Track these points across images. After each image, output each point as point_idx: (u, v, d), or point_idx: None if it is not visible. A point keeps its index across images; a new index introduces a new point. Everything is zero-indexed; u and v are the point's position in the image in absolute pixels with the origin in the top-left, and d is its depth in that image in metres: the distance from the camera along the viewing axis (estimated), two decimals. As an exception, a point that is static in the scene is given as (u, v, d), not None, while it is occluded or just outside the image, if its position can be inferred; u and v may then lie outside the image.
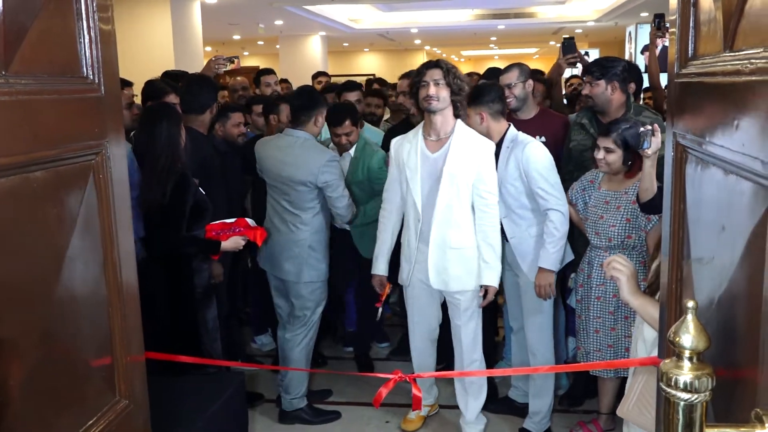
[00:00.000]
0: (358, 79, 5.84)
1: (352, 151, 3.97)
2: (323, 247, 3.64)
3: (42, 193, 1.32)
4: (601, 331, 3.20)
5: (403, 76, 4.63)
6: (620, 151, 3.07)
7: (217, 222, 3.18)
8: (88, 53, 1.47)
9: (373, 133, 4.51)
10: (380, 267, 3.43)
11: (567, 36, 4.64)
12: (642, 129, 2.73)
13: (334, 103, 4.50)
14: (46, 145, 1.32)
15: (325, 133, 4.19)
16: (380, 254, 3.43)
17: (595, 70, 3.54)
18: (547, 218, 3.22)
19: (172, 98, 4.16)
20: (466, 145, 3.14)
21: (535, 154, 3.23)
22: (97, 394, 1.53)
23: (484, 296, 3.23)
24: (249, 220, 3.26)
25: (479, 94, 3.37)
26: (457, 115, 3.19)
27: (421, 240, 3.23)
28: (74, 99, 1.43)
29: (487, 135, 3.29)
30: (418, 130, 3.28)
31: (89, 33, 1.46)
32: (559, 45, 4.78)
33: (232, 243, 3.14)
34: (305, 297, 3.61)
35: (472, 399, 3.40)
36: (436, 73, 3.10)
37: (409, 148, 3.25)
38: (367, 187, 3.94)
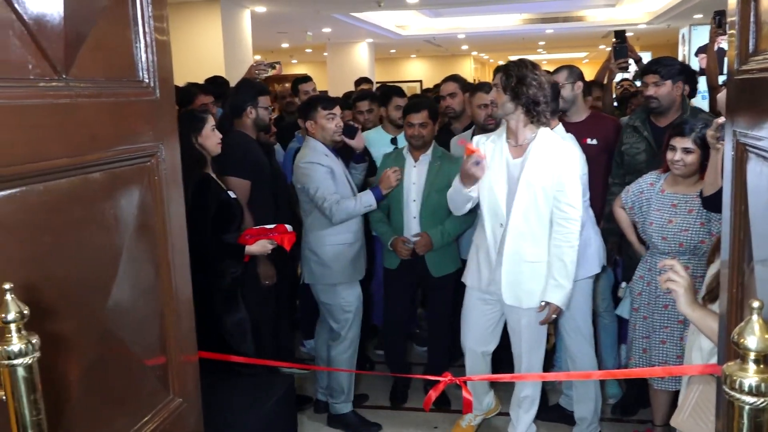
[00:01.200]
0: (406, 86, 5.83)
1: (430, 153, 3.73)
2: (325, 251, 3.53)
3: (100, 193, 1.35)
4: (669, 341, 3.05)
5: (448, 79, 4.53)
6: (699, 151, 2.92)
7: (257, 227, 3.21)
8: (143, 58, 1.50)
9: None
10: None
11: (617, 40, 4.54)
12: (719, 120, 2.62)
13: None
14: (103, 146, 1.35)
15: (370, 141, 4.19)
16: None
17: (660, 70, 3.45)
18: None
19: (203, 98, 4.22)
20: (548, 153, 2.94)
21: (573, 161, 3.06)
22: (152, 393, 1.56)
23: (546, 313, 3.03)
24: (288, 226, 3.24)
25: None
26: (535, 122, 2.97)
27: (502, 246, 3.06)
28: (130, 102, 1.46)
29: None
30: (502, 132, 3.10)
31: (145, 38, 1.50)
32: (609, 48, 4.70)
33: (259, 247, 3.09)
34: (322, 302, 3.65)
35: (523, 412, 3.29)
36: (497, 77, 2.99)
37: (493, 149, 3.08)
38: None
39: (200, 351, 1.78)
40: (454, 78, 4.50)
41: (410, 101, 3.93)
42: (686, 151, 2.96)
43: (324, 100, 3.67)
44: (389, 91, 4.60)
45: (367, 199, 3.52)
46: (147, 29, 1.51)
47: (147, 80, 1.52)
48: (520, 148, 3.00)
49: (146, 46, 1.51)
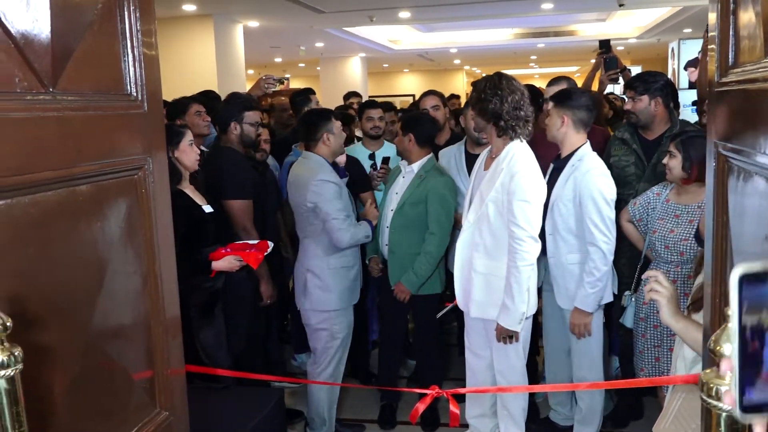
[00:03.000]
0: (398, 100, 5.89)
1: (415, 167, 3.69)
2: (327, 275, 3.43)
3: (87, 206, 1.35)
4: None
5: (428, 93, 4.58)
6: (680, 156, 2.95)
7: (240, 242, 3.20)
8: (132, 71, 1.51)
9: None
10: None
11: (602, 50, 4.56)
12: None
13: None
14: (90, 159, 1.36)
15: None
16: None
17: (638, 85, 3.49)
18: (589, 255, 3.08)
19: (196, 107, 4.21)
20: (504, 169, 2.92)
21: (596, 183, 3.07)
22: (139, 406, 1.56)
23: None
24: (270, 243, 3.20)
25: (566, 97, 3.24)
26: (505, 135, 2.96)
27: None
28: (118, 115, 1.47)
29: (561, 143, 3.21)
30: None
31: (133, 53, 1.51)
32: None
33: (226, 263, 3.05)
34: (311, 326, 3.50)
35: (507, 424, 3.23)
36: (471, 98, 3.07)
37: (481, 159, 3.18)
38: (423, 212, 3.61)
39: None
40: (434, 92, 4.56)
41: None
42: (670, 155, 3.01)
43: (339, 114, 3.65)
44: (362, 106, 4.66)
45: (366, 230, 3.48)
46: (135, 43, 1.52)
47: (135, 94, 1.53)
48: (492, 161, 3.04)
49: (134, 59, 1.52)
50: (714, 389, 0.83)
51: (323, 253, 3.42)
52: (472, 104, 3.04)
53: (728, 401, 0.74)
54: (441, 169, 3.75)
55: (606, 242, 3.05)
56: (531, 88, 4.26)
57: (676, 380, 2.01)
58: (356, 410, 4.07)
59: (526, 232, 2.86)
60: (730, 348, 0.77)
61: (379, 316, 4.03)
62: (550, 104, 3.29)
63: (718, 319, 1.41)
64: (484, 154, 3.18)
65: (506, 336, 2.99)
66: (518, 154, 2.94)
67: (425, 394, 2.47)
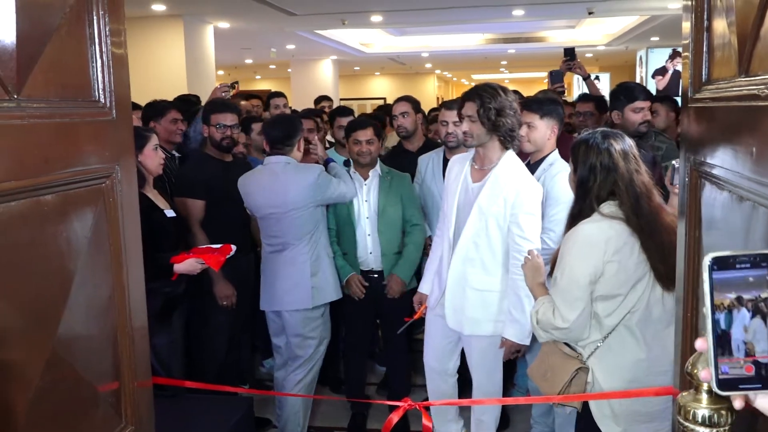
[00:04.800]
0: (369, 103, 5.89)
1: (378, 170, 3.70)
2: (324, 266, 3.48)
3: (52, 216, 1.31)
4: None
5: (400, 99, 4.49)
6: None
7: (204, 246, 3.18)
8: (100, 77, 1.47)
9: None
10: (425, 286, 3.28)
11: (567, 57, 4.60)
12: (674, 162, 2.64)
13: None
14: (56, 168, 1.32)
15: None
16: (428, 272, 3.28)
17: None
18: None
19: (174, 114, 4.18)
20: (506, 182, 2.84)
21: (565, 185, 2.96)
22: (104, 420, 1.52)
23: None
24: (233, 246, 3.18)
25: (553, 107, 3.23)
26: (506, 147, 2.90)
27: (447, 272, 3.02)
28: (85, 123, 1.43)
29: (540, 150, 3.20)
30: (472, 153, 3.03)
31: (101, 57, 1.47)
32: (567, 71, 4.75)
33: (187, 266, 3.01)
34: (302, 334, 3.46)
35: None
36: (468, 108, 2.86)
37: (457, 170, 3.04)
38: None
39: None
40: (407, 98, 4.51)
41: (355, 120, 4.02)
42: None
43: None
44: (333, 112, 4.63)
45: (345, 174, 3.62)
46: (104, 48, 1.48)
47: (103, 100, 1.49)
48: (482, 172, 2.94)
49: (103, 65, 1.48)
50: (692, 412, 0.83)
51: (321, 249, 3.47)
52: (481, 120, 2.83)
53: (705, 376, 0.79)
54: (394, 170, 3.82)
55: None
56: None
57: (650, 392, 2.03)
58: (326, 417, 4.04)
59: (532, 244, 2.81)
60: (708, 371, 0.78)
61: (346, 323, 3.99)
62: (535, 116, 3.21)
63: (690, 333, 1.42)
64: (462, 164, 3.05)
65: (515, 351, 2.93)
66: (516, 166, 2.91)
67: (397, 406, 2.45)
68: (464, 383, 3.36)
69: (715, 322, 0.78)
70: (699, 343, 0.81)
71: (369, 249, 3.69)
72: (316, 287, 3.44)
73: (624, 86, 3.84)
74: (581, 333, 2.24)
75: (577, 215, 2.28)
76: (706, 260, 0.80)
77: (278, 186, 3.35)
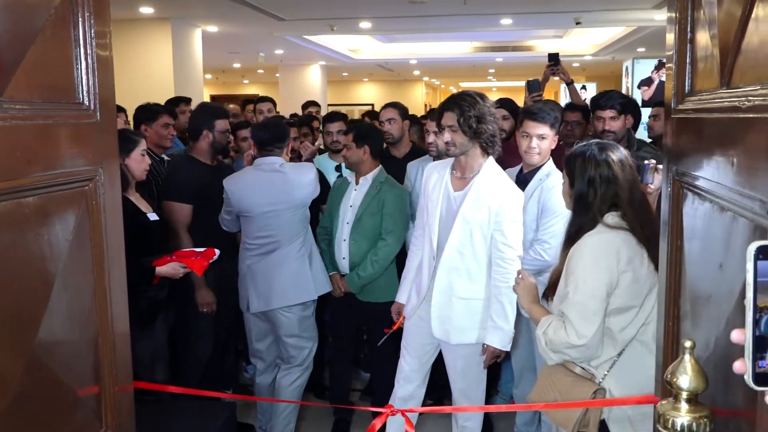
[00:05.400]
0: (357, 108, 5.91)
1: (369, 178, 3.68)
2: (314, 264, 3.52)
3: (34, 219, 1.30)
4: None
5: (387, 106, 4.48)
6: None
7: (187, 249, 3.18)
8: (84, 79, 1.47)
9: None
10: (402, 296, 3.25)
11: (551, 63, 4.63)
12: (646, 162, 2.64)
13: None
14: (39, 170, 1.31)
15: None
16: (404, 281, 3.25)
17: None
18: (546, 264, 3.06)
19: (166, 119, 4.18)
20: (488, 191, 2.85)
21: (556, 193, 2.96)
22: (83, 424, 1.50)
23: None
24: (217, 251, 3.17)
25: (555, 118, 3.19)
26: (487, 153, 2.90)
27: (432, 280, 3.00)
28: (69, 125, 1.42)
29: (543, 159, 3.17)
30: (450, 161, 3.03)
31: (86, 59, 1.46)
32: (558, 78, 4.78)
33: (170, 269, 3.00)
34: (298, 335, 3.47)
35: None
36: (448, 117, 2.85)
37: (436, 179, 3.02)
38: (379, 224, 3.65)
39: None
40: (394, 105, 4.50)
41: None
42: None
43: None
44: (324, 119, 4.66)
45: None
46: (89, 51, 1.47)
47: (87, 102, 1.48)
48: (464, 180, 2.93)
49: (87, 67, 1.47)
50: (670, 421, 0.83)
51: (306, 244, 3.52)
52: (462, 128, 2.82)
53: (740, 368, 0.76)
54: (393, 181, 3.77)
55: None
56: (509, 102, 4.26)
57: (632, 401, 2.03)
58: (310, 423, 4.02)
59: (516, 251, 2.84)
60: (686, 380, 0.78)
61: (332, 329, 3.99)
62: (545, 127, 3.15)
63: (671, 342, 1.43)
64: (441, 172, 3.04)
65: (496, 357, 2.93)
66: (497, 173, 2.91)
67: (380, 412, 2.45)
68: (434, 387, 3.41)
69: (757, 319, 0.74)
70: (735, 335, 0.78)
71: (343, 254, 3.68)
72: (314, 279, 3.50)
73: (595, 96, 3.87)
74: (597, 350, 2.13)
75: (577, 232, 2.21)
76: (752, 248, 0.74)
77: (282, 184, 3.40)
